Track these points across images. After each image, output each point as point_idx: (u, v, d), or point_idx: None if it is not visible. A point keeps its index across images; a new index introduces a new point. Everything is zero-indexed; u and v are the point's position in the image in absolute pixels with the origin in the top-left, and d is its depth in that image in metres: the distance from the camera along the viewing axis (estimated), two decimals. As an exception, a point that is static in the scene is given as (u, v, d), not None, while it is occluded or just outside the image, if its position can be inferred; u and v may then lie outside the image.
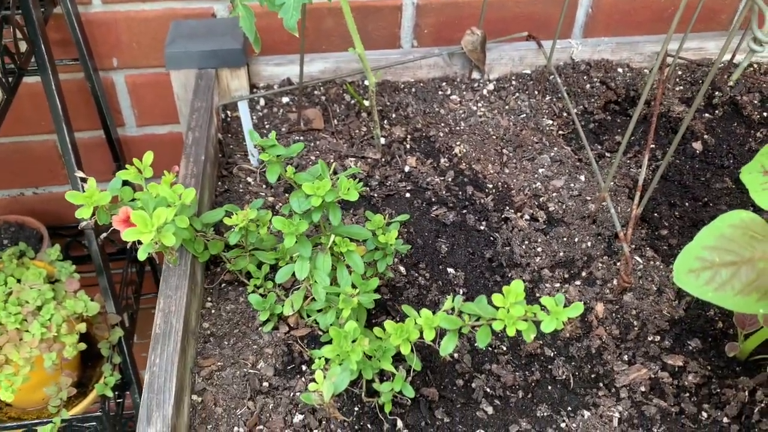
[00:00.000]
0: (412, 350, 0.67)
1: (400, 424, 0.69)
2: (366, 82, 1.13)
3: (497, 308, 0.61)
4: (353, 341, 0.63)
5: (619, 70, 1.14)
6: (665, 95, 1.12)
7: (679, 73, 1.16)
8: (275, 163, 0.66)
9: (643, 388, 0.75)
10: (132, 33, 1.14)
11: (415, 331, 0.64)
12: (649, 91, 1.12)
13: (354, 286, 0.69)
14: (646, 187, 0.98)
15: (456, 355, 0.77)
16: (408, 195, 0.96)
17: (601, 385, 0.75)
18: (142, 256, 0.66)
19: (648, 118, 1.09)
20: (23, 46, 0.93)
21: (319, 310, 0.73)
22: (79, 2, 1.08)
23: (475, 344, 0.78)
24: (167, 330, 0.68)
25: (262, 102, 1.08)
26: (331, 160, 0.99)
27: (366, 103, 1.08)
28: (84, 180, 0.68)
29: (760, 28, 0.62)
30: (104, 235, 0.75)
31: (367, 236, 0.72)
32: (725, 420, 0.72)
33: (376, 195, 0.96)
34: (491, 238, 0.91)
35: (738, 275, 0.58)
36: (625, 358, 0.78)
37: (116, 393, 1.09)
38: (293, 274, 0.70)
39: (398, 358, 0.71)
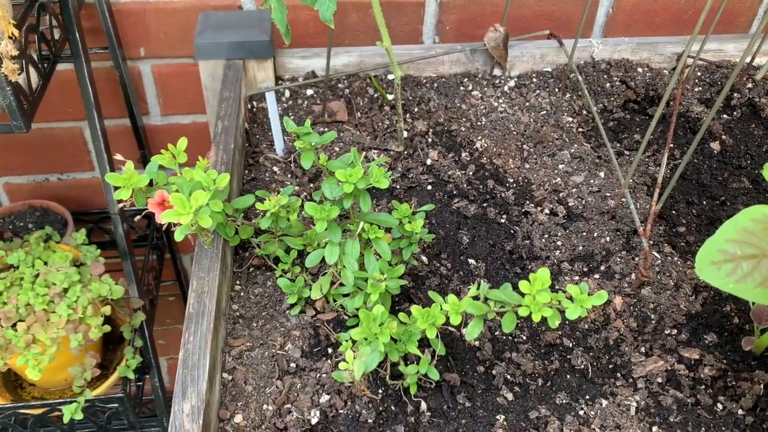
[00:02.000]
0: (437, 335, 0.69)
1: (423, 406, 0.71)
2: (390, 76, 1.15)
3: (523, 295, 0.63)
4: (381, 324, 0.64)
5: (639, 69, 1.16)
6: (684, 96, 1.14)
7: (698, 74, 1.18)
8: (309, 150, 0.68)
9: (659, 380, 0.77)
10: (160, 23, 1.17)
11: (441, 316, 0.66)
12: (669, 91, 1.13)
13: (381, 272, 0.71)
14: (665, 184, 1.00)
15: (477, 342, 0.79)
16: (430, 187, 0.98)
17: (618, 375, 0.77)
18: (179, 236, 0.68)
19: (667, 117, 1.10)
20: (57, 34, 0.95)
21: (346, 295, 0.75)
22: (110, -8, 1.11)
23: (496, 333, 0.80)
24: (200, 309, 0.70)
25: (287, 94, 1.10)
26: (355, 152, 1.01)
27: (389, 96, 1.10)
28: (122, 163, 0.70)
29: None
30: (138, 217, 0.77)
31: (394, 224, 0.74)
32: (740, 412, 0.74)
33: (398, 186, 0.97)
34: (512, 231, 0.92)
35: (759, 268, 0.59)
36: (643, 350, 0.79)
37: (136, 376, 1.11)
38: (322, 260, 0.72)
39: (422, 344, 0.73)
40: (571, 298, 0.62)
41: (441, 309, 0.66)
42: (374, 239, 0.71)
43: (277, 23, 0.81)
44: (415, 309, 0.67)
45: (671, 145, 1.07)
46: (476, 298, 0.67)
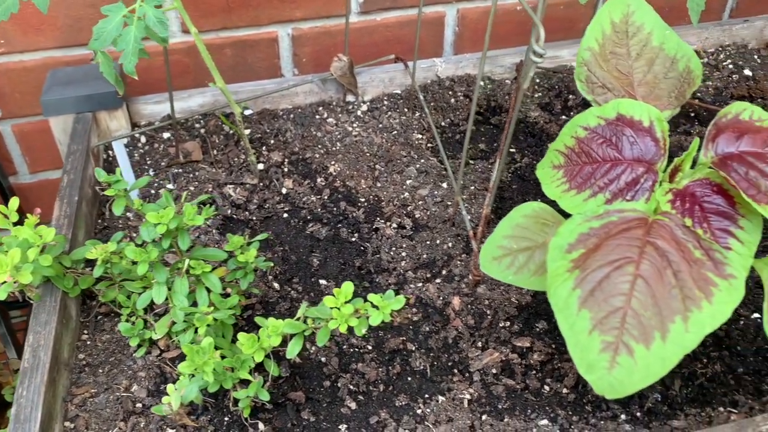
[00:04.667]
0: (269, 357, 0.73)
1: (262, 426, 0.74)
2: (248, 112, 1.19)
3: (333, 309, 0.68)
4: (207, 355, 0.68)
5: (481, 83, 1.24)
6: (523, 102, 1.22)
7: (537, 80, 1.27)
8: (121, 197, 0.71)
9: (494, 371, 0.82)
10: (14, 83, 1.18)
11: (266, 340, 0.70)
12: (509, 100, 1.22)
13: (213, 305, 0.75)
14: (505, 188, 1.08)
15: (323, 359, 0.83)
16: (285, 215, 1.02)
17: (456, 371, 0.83)
18: (2, 295, 0.70)
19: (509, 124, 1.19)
20: None
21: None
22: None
23: (344, 346, 0.85)
24: (35, 363, 0.72)
25: (143, 139, 1.13)
26: (210, 189, 1.04)
27: (245, 132, 1.15)
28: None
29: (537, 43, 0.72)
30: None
31: (221, 257, 0.77)
32: (564, 391, 0.80)
33: (254, 218, 1.01)
34: (362, 248, 0.98)
35: (533, 258, 0.66)
36: (479, 344, 0.85)
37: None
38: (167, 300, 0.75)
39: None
40: (375, 306, 0.67)
41: (267, 333, 0.70)
42: (202, 274, 0.75)
43: (106, 75, 0.84)
44: (241, 336, 0.70)
45: (513, 150, 1.15)
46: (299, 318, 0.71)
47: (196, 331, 0.71)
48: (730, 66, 1.25)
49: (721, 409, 0.77)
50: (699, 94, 1.21)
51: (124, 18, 0.78)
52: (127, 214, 1.00)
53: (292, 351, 0.69)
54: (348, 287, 0.67)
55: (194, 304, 0.76)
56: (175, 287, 0.74)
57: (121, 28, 0.77)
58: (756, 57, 1.27)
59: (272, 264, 0.88)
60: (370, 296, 0.67)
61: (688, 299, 0.53)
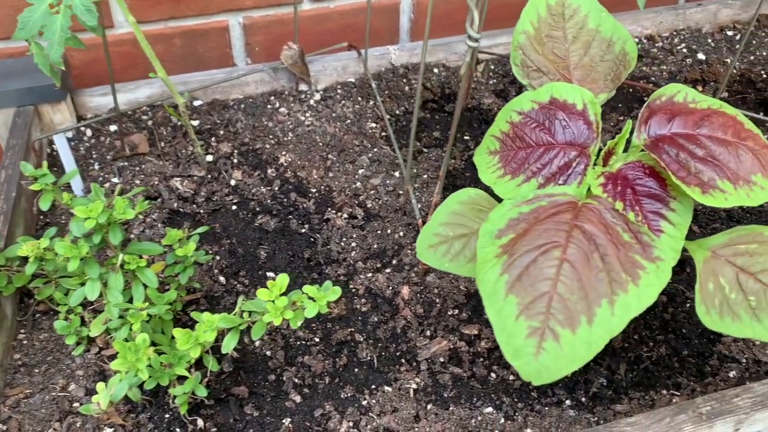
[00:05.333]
0: (209, 352, 0.71)
1: (201, 423, 0.73)
2: (197, 102, 1.17)
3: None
4: (141, 352, 0.66)
5: (435, 70, 1.23)
6: (477, 89, 1.22)
7: (492, 67, 1.26)
8: (49, 191, 0.69)
9: (442, 359, 0.82)
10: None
11: (203, 335, 0.68)
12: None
13: (149, 301, 0.73)
14: (457, 176, 1.07)
15: (269, 352, 0.82)
16: (234, 207, 1.00)
17: (403, 361, 0.82)
18: (-76, 296, 0.67)
19: (464, 112, 1.18)
20: None
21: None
22: None
23: (290, 339, 0.84)
24: (-37, 366, 0.70)
25: (89, 132, 1.10)
26: (156, 182, 1.02)
27: (194, 123, 1.12)
28: None
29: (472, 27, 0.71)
30: None
31: (157, 251, 0.75)
32: (511, 378, 0.80)
33: (202, 211, 0.99)
34: (312, 239, 0.96)
35: (469, 245, 0.65)
36: (428, 333, 0.85)
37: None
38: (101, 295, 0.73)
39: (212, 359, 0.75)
40: (312, 298, 0.66)
41: (203, 328, 0.68)
42: (137, 269, 0.73)
43: (41, 67, 0.81)
44: (177, 332, 0.69)
45: (467, 137, 1.14)
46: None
47: (132, 328, 0.70)
48: (684, 50, 1.25)
49: (665, 392, 0.77)
50: (653, 78, 1.22)
51: (53, 7, 0.75)
52: (71, 211, 0.98)
53: (228, 346, 0.68)
54: (283, 279, 0.65)
55: (132, 300, 0.74)
56: (110, 283, 0.72)
57: (48, 17, 0.75)
58: (710, 41, 1.28)
59: (213, 257, 0.86)
60: (306, 288, 0.65)
61: (615, 282, 0.53)
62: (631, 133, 0.64)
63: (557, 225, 0.56)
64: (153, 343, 0.70)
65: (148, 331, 0.71)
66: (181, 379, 0.71)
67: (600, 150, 0.64)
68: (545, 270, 0.54)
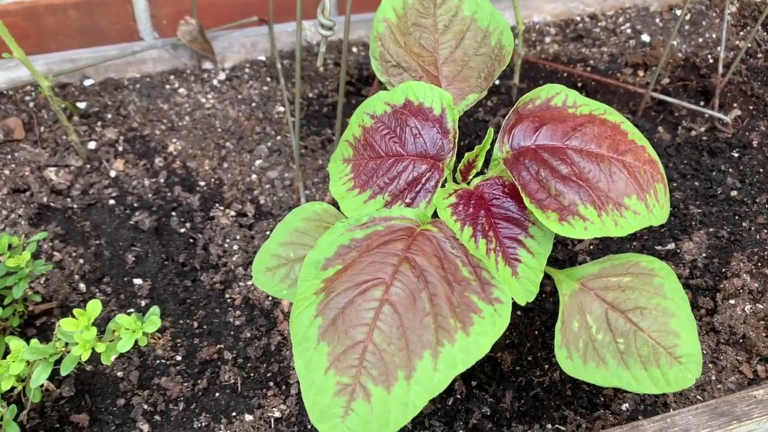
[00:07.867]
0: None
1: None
2: (87, 82, 1.06)
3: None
4: (-62, 383, 0.58)
5: (354, 49, 1.12)
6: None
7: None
8: None
9: (315, 382, 0.74)
10: None
11: (14, 366, 0.60)
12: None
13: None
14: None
15: (120, 373, 0.73)
16: (111, 202, 0.91)
17: (272, 384, 0.74)
18: None
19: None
20: None
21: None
22: None
23: (149, 358, 0.75)
24: None
25: (-41, 115, 0.99)
26: (27, 173, 0.92)
27: (81, 106, 1.02)
28: None
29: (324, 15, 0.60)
30: None
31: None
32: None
33: (75, 206, 0.90)
34: (191, 240, 0.87)
35: (308, 270, 0.56)
36: (303, 352, 0.76)
37: None
38: None
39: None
40: (128, 329, 0.57)
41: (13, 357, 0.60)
42: (-50, 284, 0.64)
43: None
44: (-14, 358, 0.60)
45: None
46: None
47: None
48: (629, 30, 1.14)
49: (549, 426, 0.69)
50: (591, 62, 1.11)
51: None
52: (-77, 204, 0.88)
53: (37, 380, 0.59)
54: (94, 307, 0.56)
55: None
56: None
57: None
58: (657, 20, 1.16)
59: (52, 266, 0.77)
60: (120, 317, 0.56)
61: (442, 330, 0.44)
62: (493, 143, 0.54)
63: (385, 257, 0.47)
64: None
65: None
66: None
67: (457, 164, 0.54)
68: (362, 313, 0.45)
